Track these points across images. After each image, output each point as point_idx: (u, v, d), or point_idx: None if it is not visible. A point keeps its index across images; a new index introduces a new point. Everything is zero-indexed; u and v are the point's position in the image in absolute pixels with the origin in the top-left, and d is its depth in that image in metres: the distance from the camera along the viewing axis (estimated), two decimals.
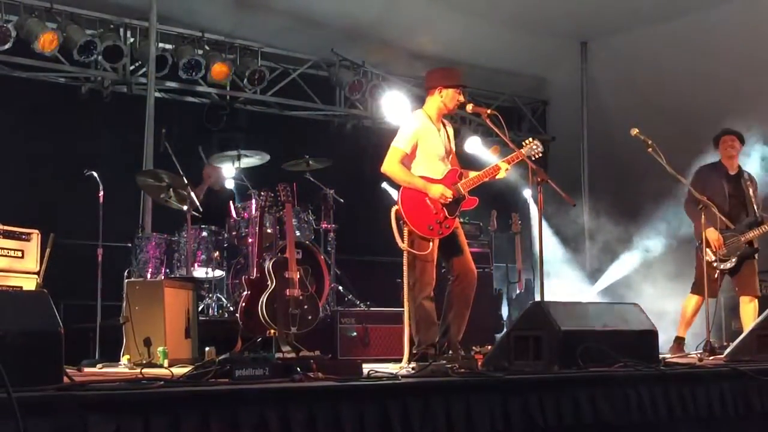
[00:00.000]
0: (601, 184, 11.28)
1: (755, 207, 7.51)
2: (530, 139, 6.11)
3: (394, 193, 5.93)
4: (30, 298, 4.09)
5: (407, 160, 5.88)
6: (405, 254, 5.80)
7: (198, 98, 10.25)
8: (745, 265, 7.39)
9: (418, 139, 5.87)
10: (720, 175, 7.57)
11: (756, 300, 7.43)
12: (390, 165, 5.87)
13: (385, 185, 8.87)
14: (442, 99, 5.96)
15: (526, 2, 9.72)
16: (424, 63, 10.54)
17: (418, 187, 5.81)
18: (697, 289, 7.45)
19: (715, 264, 7.31)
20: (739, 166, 7.70)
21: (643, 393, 4.46)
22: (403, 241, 5.77)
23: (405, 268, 5.81)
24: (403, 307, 7.13)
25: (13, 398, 2.87)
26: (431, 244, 5.77)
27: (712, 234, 7.25)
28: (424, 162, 5.90)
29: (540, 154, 6.02)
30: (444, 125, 6.08)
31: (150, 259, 7.55)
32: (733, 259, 7.29)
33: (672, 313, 7.95)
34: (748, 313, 7.33)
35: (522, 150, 5.97)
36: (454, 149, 6.12)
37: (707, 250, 7.18)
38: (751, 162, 8.30)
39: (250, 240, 7.71)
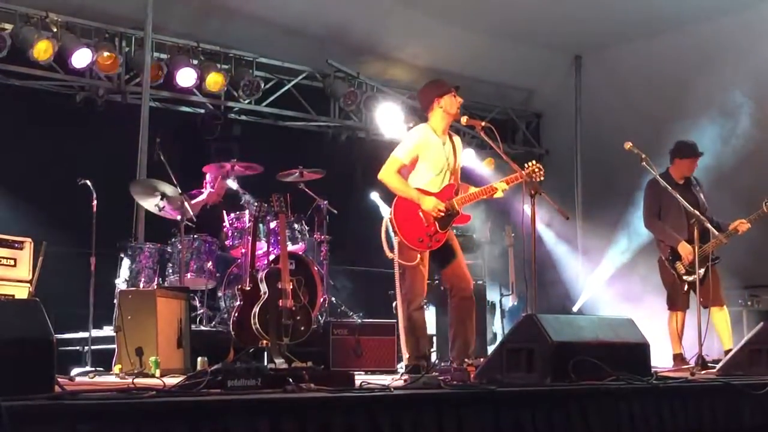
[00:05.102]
0: (594, 198, 11.30)
1: (708, 212, 7.38)
2: (533, 161, 5.94)
3: (382, 204, 5.94)
4: (22, 306, 4.08)
5: (405, 171, 5.89)
6: (396, 265, 5.82)
7: (192, 108, 10.26)
8: (708, 275, 7.24)
9: (418, 152, 5.88)
10: (670, 186, 7.22)
11: (724, 308, 7.36)
12: (387, 173, 5.88)
13: (374, 196, 8.87)
14: (442, 108, 5.95)
15: (521, 16, 9.76)
16: (418, 75, 10.60)
17: (413, 198, 5.82)
18: (672, 304, 7.45)
19: (684, 277, 7.27)
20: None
21: (635, 406, 4.46)
22: (391, 250, 5.78)
23: (396, 278, 5.82)
24: (394, 318, 7.13)
25: (2, 407, 2.86)
26: (419, 255, 5.78)
27: (684, 248, 7.23)
28: (423, 175, 5.91)
29: (542, 178, 5.87)
30: (450, 137, 6.07)
31: (143, 269, 7.54)
32: (701, 271, 7.13)
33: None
34: (721, 322, 7.29)
35: (524, 172, 5.84)
36: (459, 163, 6.11)
37: (678, 263, 7.30)
38: None
39: (243, 250, 7.70)
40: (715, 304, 7.29)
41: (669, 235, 7.38)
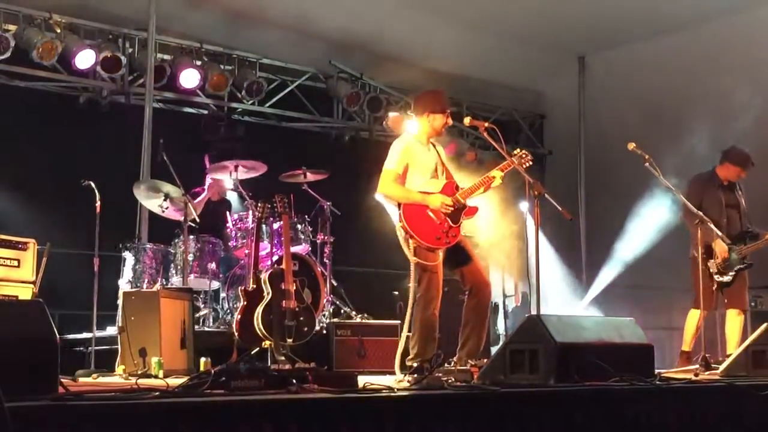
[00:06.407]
0: (597, 198, 11.29)
1: (747, 218, 7.51)
2: (519, 149, 6.13)
3: (387, 204, 5.95)
4: (25, 307, 4.07)
5: (400, 181, 5.91)
6: (413, 269, 5.81)
7: (196, 109, 10.27)
8: (738, 278, 7.31)
9: (408, 159, 5.92)
10: (715, 185, 7.49)
11: (744, 314, 7.41)
12: (385, 186, 5.91)
13: (378, 196, 8.87)
14: (430, 123, 6.02)
15: (524, 17, 9.76)
16: (421, 75, 10.60)
17: (418, 201, 5.83)
18: (698, 303, 7.31)
19: (716, 277, 7.24)
20: None
21: (638, 407, 4.45)
22: (413, 255, 5.77)
23: (412, 281, 5.82)
24: (398, 319, 7.10)
25: (6, 409, 2.86)
26: (440, 254, 5.80)
27: (719, 245, 7.19)
28: (418, 179, 5.92)
29: (530, 163, 6.03)
30: (434, 145, 6.12)
31: (146, 269, 7.54)
32: (732, 273, 7.23)
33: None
34: (736, 326, 7.31)
35: (513, 159, 5.98)
36: (446, 166, 6.14)
37: (710, 261, 7.21)
38: None
39: (246, 251, 7.70)
40: (737, 306, 7.32)
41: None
